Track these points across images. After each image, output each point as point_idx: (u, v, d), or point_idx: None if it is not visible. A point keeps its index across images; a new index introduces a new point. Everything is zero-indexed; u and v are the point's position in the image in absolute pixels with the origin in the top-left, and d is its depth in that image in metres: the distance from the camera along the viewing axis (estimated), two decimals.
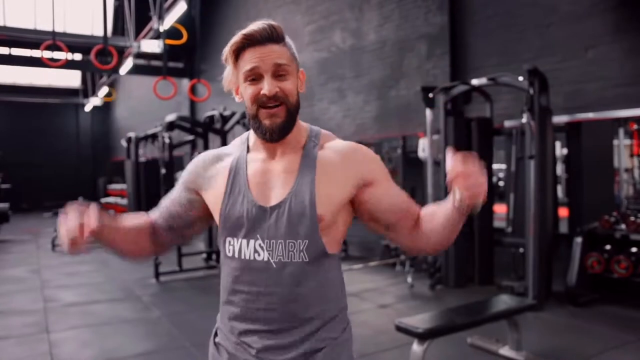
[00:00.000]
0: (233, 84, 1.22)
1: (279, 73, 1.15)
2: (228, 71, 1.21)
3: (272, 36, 1.15)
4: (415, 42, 7.29)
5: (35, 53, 12.11)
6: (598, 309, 4.82)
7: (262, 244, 1.18)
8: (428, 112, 6.03)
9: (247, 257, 1.19)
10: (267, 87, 1.14)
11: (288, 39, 1.20)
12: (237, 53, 1.17)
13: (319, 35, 9.06)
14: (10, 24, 14.36)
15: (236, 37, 1.16)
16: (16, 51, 13.56)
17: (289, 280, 1.17)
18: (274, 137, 1.18)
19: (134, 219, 1.35)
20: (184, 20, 11.29)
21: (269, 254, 1.17)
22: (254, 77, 1.15)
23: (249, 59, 1.15)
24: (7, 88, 18.90)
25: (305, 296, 1.18)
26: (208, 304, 5.52)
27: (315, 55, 9.19)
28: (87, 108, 20.48)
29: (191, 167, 1.35)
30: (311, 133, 1.27)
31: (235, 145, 1.33)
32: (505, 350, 3.68)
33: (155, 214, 1.37)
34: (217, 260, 7.29)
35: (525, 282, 5.03)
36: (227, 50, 1.17)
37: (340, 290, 1.28)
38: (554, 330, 4.37)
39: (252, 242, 1.19)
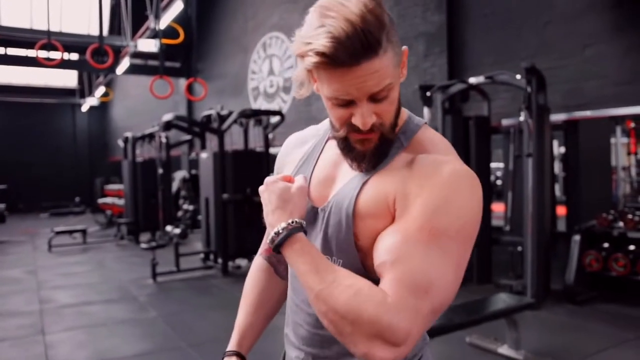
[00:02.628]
0: (307, 90, 0.93)
1: (378, 97, 0.85)
2: (299, 73, 0.89)
3: (368, 48, 0.79)
4: (412, 40, 7.27)
5: (31, 52, 12.05)
6: (596, 307, 4.82)
7: None
8: (426, 111, 6.02)
9: None
10: (361, 119, 0.86)
11: (387, 28, 0.82)
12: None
13: None
14: (6, 23, 14.30)
15: (310, 59, 0.81)
16: (11, 51, 13.51)
17: None
18: (364, 165, 0.93)
19: (254, 287, 1.18)
20: (181, 19, 11.26)
21: None
22: (342, 103, 0.87)
23: (336, 83, 0.83)
24: (3, 88, 18.82)
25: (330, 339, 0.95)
26: (205, 305, 5.50)
27: None
28: (84, 108, 20.41)
29: (281, 150, 1.17)
30: (405, 128, 0.96)
31: (324, 126, 1.10)
32: (504, 349, 3.67)
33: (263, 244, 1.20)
34: (215, 260, 7.26)
35: (524, 281, 5.02)
36: (301, 67, 0.86)
37: None
38: (552, 328, 4.36)
39: None
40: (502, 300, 3.67)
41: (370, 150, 0.91)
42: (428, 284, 0.80)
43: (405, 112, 0.99)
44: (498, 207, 6.73)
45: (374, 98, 0.85)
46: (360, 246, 0.91)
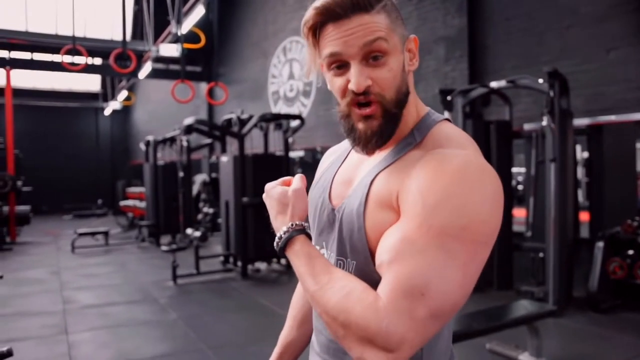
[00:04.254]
0: (314, 68, 0.93)
1: (372, 55, 0.85)
2: (307, 52, 0.92)
3: (357, 4, 0.84)
4: (433, 44, 7.25)
5: (56, 58, 12.31)
6: (620, 315, 4.73)
7: (325, 254, 0.98)
8: (446, 115, 5.97)
9: None
10: (354, 79, 0.85)
11: (385, 2, 0.87)
12: (315, 30, 0.88)
13: None
14: (32, 29, 14.63)
15: (308, 13, 0.87)
16: (37, 56, 13.82)
17: None
18: (369, 146, 0.90)
19: (299, 299, 1.21)
20: (202, 24, 11.40)
21: None
22: (339, 64, 0.87)
23: (329, 40, 0.86)
24: (28, 92, 19.23)
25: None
26: (225, 307, 5.54)
27: None
28: (107, 112, 20.75)
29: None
30: (420, 124, 0.93)
31: None
32: (525, 357, 3.62)
33: None
34: (234, 263, 7.31)
35: (546, 288, 4.95)
36: (302, 31, 0.90)
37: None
38: (574, 336, 4.29)
39: (322, 250, 1.00)
40: (523, 307, 3.63)
41: (373, 129, 0.88)
42: (424, 287, 0.75)
43: (424, 109, 0.96)
44: (520, 213, 6.65)
45: (368, 57, 0.85)
46: (372, 248, 0.87)
